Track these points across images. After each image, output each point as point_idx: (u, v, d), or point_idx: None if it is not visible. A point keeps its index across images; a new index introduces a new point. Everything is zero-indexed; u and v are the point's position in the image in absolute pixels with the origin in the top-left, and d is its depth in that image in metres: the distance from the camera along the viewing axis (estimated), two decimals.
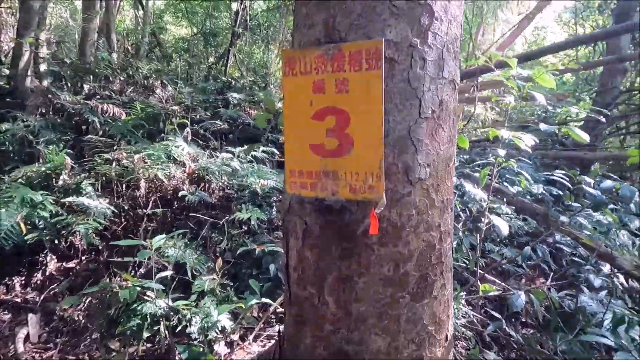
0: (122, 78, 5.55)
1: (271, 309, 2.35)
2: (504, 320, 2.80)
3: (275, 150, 4.38)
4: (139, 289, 2.09)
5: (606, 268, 3.55)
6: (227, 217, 2.94)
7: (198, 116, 4.74)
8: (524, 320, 3.11)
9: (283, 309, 2.55)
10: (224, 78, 6.42)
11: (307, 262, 1.41)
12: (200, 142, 4.26)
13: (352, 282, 1.34)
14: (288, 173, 1.36)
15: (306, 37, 1.33)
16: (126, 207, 3.16)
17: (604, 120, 2.49)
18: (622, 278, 3.46)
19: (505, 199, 3.18)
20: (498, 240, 3.95)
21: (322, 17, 1.28)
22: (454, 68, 1.37)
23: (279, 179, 3.31)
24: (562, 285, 3.59)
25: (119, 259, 2.22)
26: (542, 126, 2.23)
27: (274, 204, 3.47)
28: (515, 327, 2.98)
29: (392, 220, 1.30)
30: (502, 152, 2.54)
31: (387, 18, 1.22)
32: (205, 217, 3.07)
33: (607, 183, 1.94)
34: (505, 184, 3.10)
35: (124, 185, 3.26)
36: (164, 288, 2.16)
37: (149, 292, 2.17)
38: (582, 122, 6.56)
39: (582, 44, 7.41)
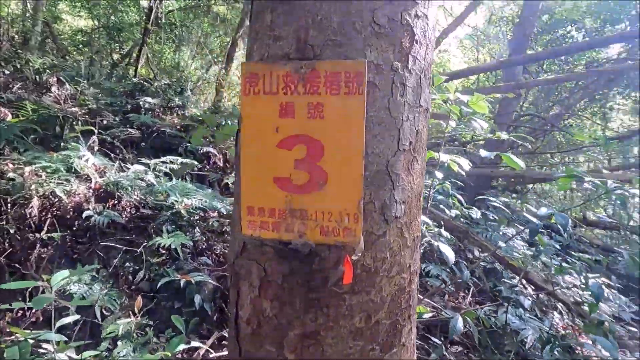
0: (6, 71, 4.72)
1: (201, 352, 2.05)
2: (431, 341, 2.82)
3: (196, 162, 4.02)
4: (32, 341, 1.67)
5: (516, 280, 3.82)
6: (144, 243, 2.56)
7: (105, 121, 4.17)
8: (453, 339, 3.18)
9: (215, 353, 2.26)
10: (134, 79, 5.81)
11: (264, 315, 1.19)
12: (111, 155, 3.74)
13: (319, 338, 1.15)
14: (245, 210, 1.13)
15: (271, 50, 1.12)
16: (12, 231, 2.60)
17: (529, 146, 2.63)
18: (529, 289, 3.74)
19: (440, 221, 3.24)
20: (424, 257, 4.03)
21: (293, 28, 1.09)
22: (429, 95, 1.26)
23: (204, 197, 2.99)
24: (483, 300, 3.77)
25: (5, 307, 1.75)
26: (482, 152, 2.27)
27: (196, 223, 3.14)
28: (445, 345, 3.02)
29: (366, 265, 1.15)
30: (439, 174, 2.54)
31: (368, 37, 1.07)
32: (117, 245, 2.64)
33: (543, 211, 2.02)
34: (441, 206, 3.16)
35: (9, 204, 2.69)
36: (66, 339, 1.75)
37: (45, 344, 1.75)
38: (483, 142, 7.13)
39: (493, 69, 8.09)
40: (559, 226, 1.97)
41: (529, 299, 2.77)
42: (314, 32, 1.07)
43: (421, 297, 2.74)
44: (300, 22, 1.08)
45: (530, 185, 9.10)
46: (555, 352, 2.49)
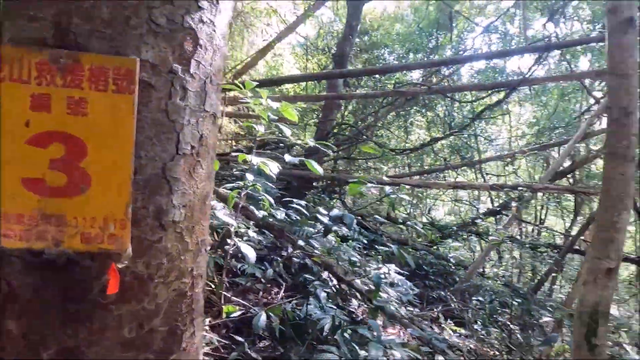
0: None
1: None
2: (245, 338, 2.90)
3: None
4: None
5: (325, 274, 4.21)
6: None
7: None
8: (261, 334, 3.30)
9: None
10: None
11: (9, 337, 1.03)
12: None
13: (79, 353, 1.05)
14: None
15: (24, 32, 0.97)
16: None
17: (331, 153, 2.93)
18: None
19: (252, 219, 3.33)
20: (239, 256, 4.10)
21: (53, 11, 0.96)
22: (216, 101, 1.28)
23: None
24: (294, 295, 4.02)
25: None
26: (287, 157, 2.43)
27: None
28: (255, 343, 3.13)
29: (138, 272, 1.10)
30: (250, 176, 2.62)
31: (144, 34, 1.03)
32: None
33: (335, 212, 2.28)
34: (251, 208, 3.25)
35: None
36: None
37: None
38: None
39: (318, 79, 8.69)
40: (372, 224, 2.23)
41: (327, 291, 3.08)
42: (78, 19, 0.97)
43: (229, 295, 2.78)
44: (61, 5, 0.97)
45: (347, 187, 10.19)
46: (345, 335, 2.82)
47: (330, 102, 8.35)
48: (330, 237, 4.64)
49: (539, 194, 9.59)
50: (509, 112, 12.36)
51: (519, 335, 5.26)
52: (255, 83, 2.35)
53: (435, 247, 8.41)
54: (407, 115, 11.30)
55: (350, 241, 4.82)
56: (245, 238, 3.59)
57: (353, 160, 10.07)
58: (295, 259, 4.41)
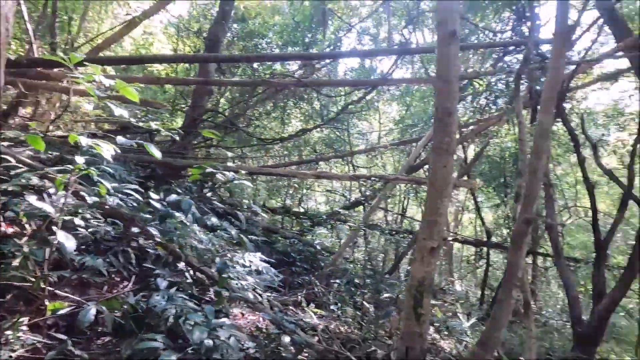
0: None
1: None
2: (78, 336, 2.67)
3: None
4: None
5: (181, 264, 4.06)
6: None
7: None
8: (100, 330, 3.05)
9: None
10: None
11: None
12: None
13: None
14: None
15: None
16: None
17: (177, 138, 2.83)
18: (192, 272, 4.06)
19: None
20: (83, 247, 3.71)
21: None
22: None
23: None
24: (145, 287, 3.81)
25: None
26: (119, 139, 2.27)
27: None
28: (91, 339, 2.88)
29: None
30: (81, 159, 2.40)
31: None
32: None
33: (172, 197, 2.21)
34: (84, 193, 2.95)
35: None
36: None
37: None
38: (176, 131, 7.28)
39: (187, 61, 8.26)
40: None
41: (171, 280, 2.98)
42: None
43: (58, 291, 2.53)
44: None
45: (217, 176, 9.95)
46: (190, 323, 2.76)
47: (201, 88, 8.03)
48: (196, 227, 4.51)
49: (402, 186, 10.61)
50: (378, 109, 13.38)
51: (372, 313, 5.74)
52: (81, 57, 2.14)
53: (308, 235, 8.72)
54: (285, 107, 11.49)
55: (218, 230, 4.73)
56: (91, 229, 3.28)
57: (230, 149, 9.88)
58: (151, 250, 4.17)
